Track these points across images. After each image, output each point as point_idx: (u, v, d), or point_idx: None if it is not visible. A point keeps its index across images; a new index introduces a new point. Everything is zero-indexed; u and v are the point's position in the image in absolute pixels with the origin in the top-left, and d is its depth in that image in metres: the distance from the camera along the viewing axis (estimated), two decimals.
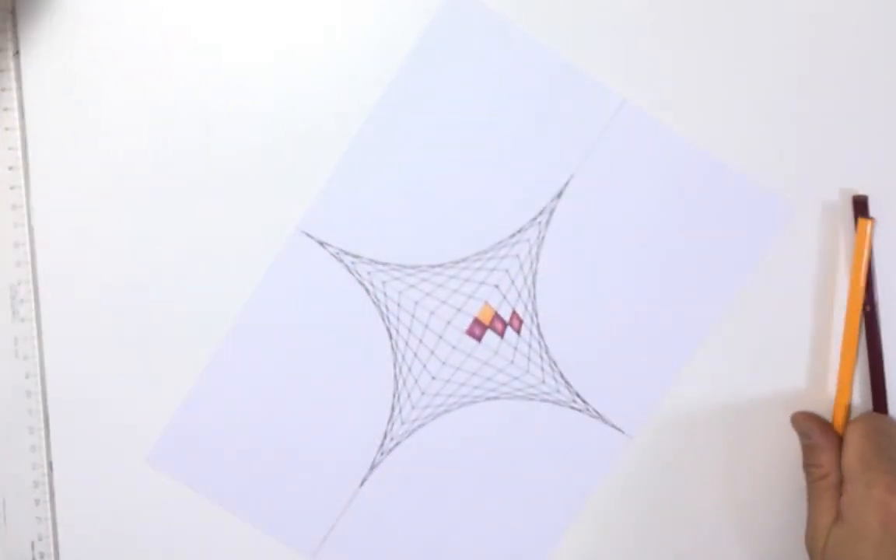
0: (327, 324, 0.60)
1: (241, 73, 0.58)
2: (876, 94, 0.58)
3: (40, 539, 0.61)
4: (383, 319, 0.59)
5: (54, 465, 0.61)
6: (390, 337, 0.60)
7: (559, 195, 0.59)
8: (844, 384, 0.58)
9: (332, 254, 0.59)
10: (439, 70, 0.58)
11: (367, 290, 0.59)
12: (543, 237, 0.59)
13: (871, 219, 0.58)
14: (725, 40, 0.58)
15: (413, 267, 0.59)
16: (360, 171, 0.59)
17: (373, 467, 0.60)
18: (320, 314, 0.59)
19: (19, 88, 0.58)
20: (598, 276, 0.59)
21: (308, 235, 0.59)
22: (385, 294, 0.59)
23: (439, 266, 0.59)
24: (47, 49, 0.58)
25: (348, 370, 0.60)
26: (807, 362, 0.60)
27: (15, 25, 0.58)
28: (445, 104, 0.58)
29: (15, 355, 0.60)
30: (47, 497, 0.61)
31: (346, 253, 0.59)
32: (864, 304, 0.58)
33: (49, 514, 0.61)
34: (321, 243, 0.59)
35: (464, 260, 0.59)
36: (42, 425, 0.60)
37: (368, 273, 0.59)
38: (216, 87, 0.58)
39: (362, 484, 0.61)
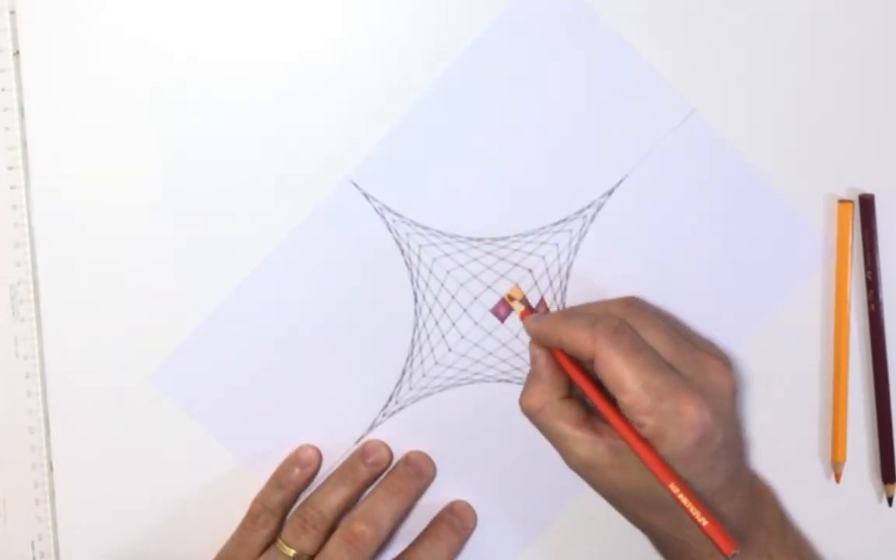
0: (356, 276, 0.59)
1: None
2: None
3: (40, 539, 0.61)
4: (412, 282, 0.59)
5: (54, 465, 0.61)
6: (416, 301, 0.59)
7: (610, 192, 0.58)
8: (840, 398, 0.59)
9: (374, 208, 0.59)
10: (515, 45, 0.57)
11: (402, 251, 0.59)
12: (586, 231, 0.59)
13: (850, 202, 0.58)
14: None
15: (452, 236, 0.59)
16: (417, 133, 0.58)
17: (372, 427, 0.60)
18: (351, 266, 0.59)
19: (19, 88, 0.58)
20: (632, 281, 0.59)
21: (355, 185, 0.59)
22: (419, 257, 0.59)
23: (478, 240, 0.59)
24: (47, 49, 0.58)
25: (367, 326, 0.60)
26: (818, 364, 0.60)
27: (15, 25, 0.58)
28: (515, 81, 0.58)
29: (15, 355, 0.60)
30: (47, 497, 0.61)
31: (389, 210, 0.59)
32: (869, 303, 0.58)
33: (49, 514, 0.61)
34: (366, 195, 0.59)
35: (503, 238, 0.59)
36: (42, 425, 0.60)
37: (407, 234, 0.59)
38: (226, 77, 0.58)
39: (357, 442, 0.61)
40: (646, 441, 0.51)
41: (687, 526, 0.52)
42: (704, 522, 0.50)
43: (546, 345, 0.55)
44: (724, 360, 0.55)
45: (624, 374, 0.51)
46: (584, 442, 0.54)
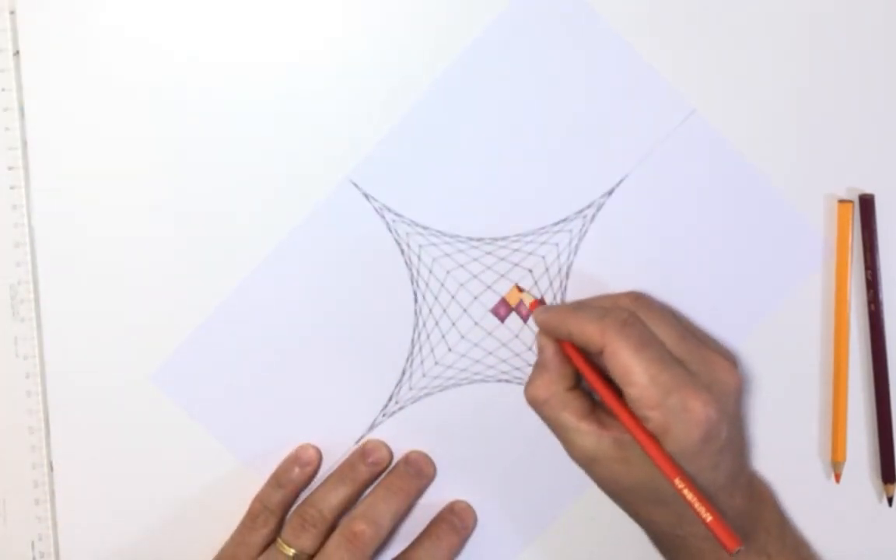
0: (356, 276, 0.59)
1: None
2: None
3: (40, 539, 0.61)
4: (412, 283, 0.59)
5: (54, 465, 0.61)
6: (416, 301, 0.59)
7: (610, 193, 0.58)
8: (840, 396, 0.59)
9: (374, 208, 0.59)
10: (515, 45, 0.57)
11: (403, 251, 0.59)
12: (586, 231, 0.59)
13: (850, 202, 0.58)
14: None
15: (452, 236, 0.59)
16: (417, 133, 0.58)
17: (372, 427, 0.60)
18: (351, 266, 0.59)
19: (19, 88, 0.58)
20: (632, 281, 0.59)
21: (355, 185, 0.59)
22: (419, 257, 0.59)
23: (478, 240, 0.59)
24: (47, 49, 0.58)
25: (367, 326, 0.60)
26: (818, 364, 0.60)
27: (15, 25, 0.58)
28: (515, 81, 0.58)
29: (15, 355, 0.60)
30: (47, 497, 0.61)
31: (389, 210, 0.59)
32: (869, 303, 0.58)
33: (49, 514, 0.61)
34: (366, 195, 0.58)
35: (503, 238, 0.59)
36: (42, 425, 0.60)
37: (407, 234, 0.59)
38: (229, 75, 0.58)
39: (357, 442, 0.61)
40: (651, 435, 0.51)
41: (687, 522, 0.52)
42: (709, 518, 0.50)
43: (554, 336, 0.55)
44: (731, 359, 0.55)
45: (632, 366, 0.51)
46: (588, 434, 0.54)
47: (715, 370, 0.53)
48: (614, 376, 0.52)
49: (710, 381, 0.53)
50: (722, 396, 0.52)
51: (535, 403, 0.55)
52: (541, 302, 0.59)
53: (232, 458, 0.61)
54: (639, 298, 0.56)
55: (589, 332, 0.53)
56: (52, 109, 0.58)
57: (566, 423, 0.54)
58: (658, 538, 0.56)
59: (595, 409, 0.55)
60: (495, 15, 0.57)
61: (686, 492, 0.51)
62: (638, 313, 0.54)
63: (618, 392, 0.53)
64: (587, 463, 0.54)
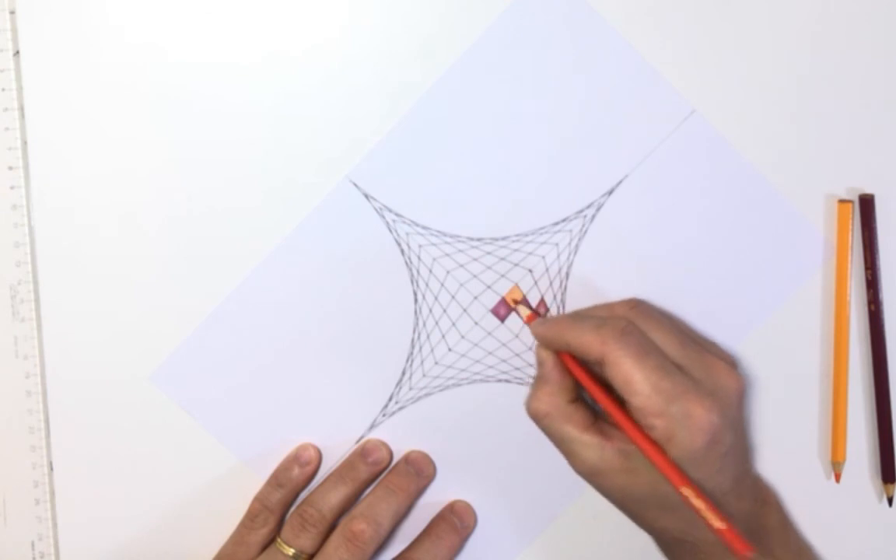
0: (356, 276, 0.59)
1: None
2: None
3: (40, 539, 0.61)
4: (412, 283, 0.59)
5: (54, 465, 0.61)
6: (416, 301, 0.59)
7: (610, 192, 0.58)
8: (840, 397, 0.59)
9: (375, 208, 0.59)
10: (516, 45, 0.57)
11: (403, 251, 0.59)
12: (586, 231, 0.59)
13: (850, 202, 0.58)
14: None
15: (452, 236, 0.59)
16: (418, 132, 0.58)
17: (372, 427, 0.61)
18: (351, 265, 0.59)
19: (19, 88, 0.58)
20: (632, 281, 0.59)
21: (355, 185, 0.59)
22: (419, 257, 0.59)
23: (478, 240, 0.59)
24: (47, 49, 0.58)
25: (367, 326, 0.60)
26: (818, 364, 0.60)
27: (15, 25, 0.58)
28: (515, 81, 0.58)
29: (15, 355, 0.60)
30: (47, 497, 0.61)
31: (389, 210, 0.59)
32: (869, 303, 0.58)
33: (49, 514, 0.61)
34: (366, 195, 0.59)
35: (503, 238, 0.59)
36: (42, 425, 0.60)
37: (407, 234, 0.59)
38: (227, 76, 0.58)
39: (357, 442, 0.61)
40: (657, 444, 0.51)
41: (697, 528, 0.52)
42: (719, 525, 0.50)
43: (553, 348, 0.55)
44: (731, 362, 0.55)
45: (634, 375, 0.51)
46: (592, 446, 0.53)
47: (717, 375, 0.53)
48: (616, 386, 0.52)
49: (712, 386, 0.52)
50: (724, 401, 0.52)
51: (536, 417, 0.55)
52: (536, 313, 0.59)
53: (232, 458, 0.61)
54: (637, 306, 0.55)
55: (587, 342, 0.53)
56: (52, 109, 0.58)
57: (569, 435, 0.54)
58: (668, 545, 0.56)
59: (597, 420, 0.54)
60: (495, 15, 0.57)
61: (694, 500, 0.50)
62: (636, 321, 0.53)
63: (619, 402, 0.53)
64: (592, 475, 0.54)
